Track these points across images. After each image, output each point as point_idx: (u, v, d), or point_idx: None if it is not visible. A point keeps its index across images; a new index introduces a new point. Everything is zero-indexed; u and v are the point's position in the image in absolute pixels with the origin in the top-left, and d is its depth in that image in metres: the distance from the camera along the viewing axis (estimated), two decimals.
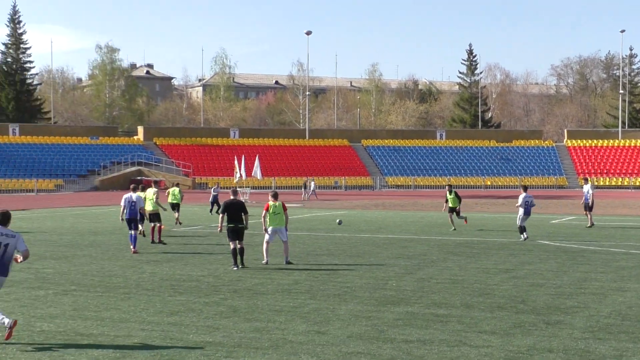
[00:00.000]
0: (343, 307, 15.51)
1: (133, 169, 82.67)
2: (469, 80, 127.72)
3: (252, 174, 64.82)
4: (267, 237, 22.12)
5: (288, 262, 22.01)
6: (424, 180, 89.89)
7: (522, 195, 30.18)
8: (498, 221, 39.59)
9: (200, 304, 15.83)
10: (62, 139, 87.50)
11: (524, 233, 29.13)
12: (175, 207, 37.28)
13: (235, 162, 64.62)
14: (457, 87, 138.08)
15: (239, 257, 21.35)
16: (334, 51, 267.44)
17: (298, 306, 15.59)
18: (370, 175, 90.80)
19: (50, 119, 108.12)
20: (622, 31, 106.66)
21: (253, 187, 74.02)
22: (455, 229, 33.26)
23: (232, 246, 21.37)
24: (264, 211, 21.93)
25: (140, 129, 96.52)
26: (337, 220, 35.69)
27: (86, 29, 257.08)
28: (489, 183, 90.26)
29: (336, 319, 14.35)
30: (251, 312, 14.96)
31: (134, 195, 25.84)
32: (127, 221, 25.58)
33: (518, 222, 29.69)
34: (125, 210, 25.64)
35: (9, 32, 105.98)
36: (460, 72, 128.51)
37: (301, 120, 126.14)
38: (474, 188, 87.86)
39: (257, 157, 66.34)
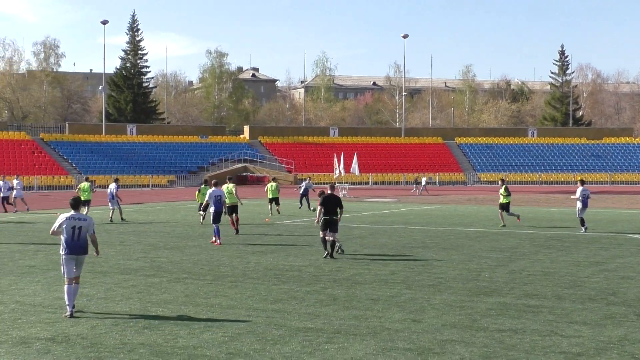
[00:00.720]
0: (437, 297, 15.38)
1: (239, 165, 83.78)
2: (560, 80, 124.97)
3: (351, 170, 64.97)
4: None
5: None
6: (515, 177, 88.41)
7: (580, 188, 30.41)
8: (588, 216, 38.57)
9: (302, 292, 15.92)
10: (174, 138, 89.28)
11: (584, 225, 29.48)
12: (273, 201, 38.46)
13: (335, 159, 64.82)
14: (548, 86, 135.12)
15: (329, 248, 21.47)
16: (430, 53, 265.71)
17: (394, 295, 15.52)
18: (463, 172, 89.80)
19: (164, 119, 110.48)
20: None
21: (351, 183, 74.12)
22: (504, 225, 31.95)
23: (321, 235, 21.71)
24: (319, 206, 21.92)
25: (246, 128, 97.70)
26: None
27: (197, 35, 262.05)
28: (579, 179, 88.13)
29: (431, 308, 14.24)
30: (350, 301, 14.96)
31: (218, 190, 26.29)
32: (213, 214, 25.66)
33: (578, 215, 29.96)
34: (210, 204, 25.89)
35: (128, 40, 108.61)
36: (552, 72, 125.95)
37: (397, 119, 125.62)
38: (564, 184, 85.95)
39: (355, 155, 66.41)
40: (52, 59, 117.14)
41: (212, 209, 25.92)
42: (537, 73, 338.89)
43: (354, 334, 12.13)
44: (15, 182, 41.58)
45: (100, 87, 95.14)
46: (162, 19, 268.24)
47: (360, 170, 67.56)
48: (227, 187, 29.72)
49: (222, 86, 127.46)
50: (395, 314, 13.71)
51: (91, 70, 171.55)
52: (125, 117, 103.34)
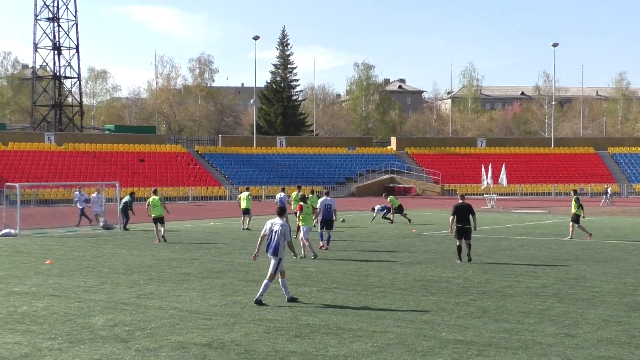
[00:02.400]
0: (592, 311, 14.84)
1: (386, 176, 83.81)
2: None
3: (499, 181, 63.73)
4: (301, 234, 24.57)
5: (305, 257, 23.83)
6: None
7: None
8: None
9: (451, 304, 15.73)
10: (322, 150, 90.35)
11: None
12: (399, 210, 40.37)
13: (482, 169, 63.81)
14: None
15: (467, 254, 22.72)
16: (581, 61, 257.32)
17: (546, 309, 15.10)
18: (617, 182, 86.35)
19: (312, 131, 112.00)
20: None
21: (499, 194, 72.69)
22: (571, 238, 30.35)
23: (457, 243, 22.94)
24: (299, 212, 24.85)
25: (393, 140, 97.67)
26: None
27: (344, 48, 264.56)
28: None
29: (585, 322, 13.75)
30: (500, 313, 14.66)
31: (328, 199, 27.26)
32: (322, 221, 26.69)
33: None
34: (320, 213, 26.85)
35: (278, 54, 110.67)
36: None
37: (546, 129, 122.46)
38: None
39: (503, 165, 65.08)
40: (206, 74, 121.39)
41: (320, 217, 26.85)
42: None
43: (505, 347, 11.87)
44: (94, 195, 38.66)
45: (251, 101, 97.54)
46: (310, 33, 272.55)
47: (508, 181, 66.14)
48: (153, 198, 31.14)
49: (369, 98, 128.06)
50: (548, 327, 13.32)
51: (243, 84, 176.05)
52: (275, 130, 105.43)
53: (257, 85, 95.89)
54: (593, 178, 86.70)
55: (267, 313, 14.72)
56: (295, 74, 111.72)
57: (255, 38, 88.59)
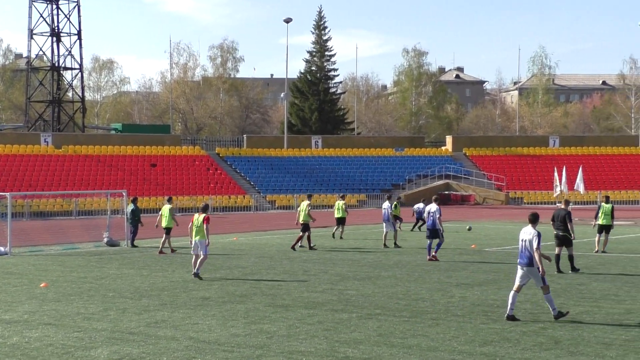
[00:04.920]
0: None
1: (440, 182, 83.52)
2: None
3: (575, 188, 63.23)
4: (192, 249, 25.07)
5: (196, 275, 24.12)
6: None
7: None
8: None
9: (517, 333, 15.65)
10: (365, 151, 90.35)
11: None
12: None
13: (555, 174, 63.39)
14: None
15: (570, 264, 25.18)
16: None
17: (632, 339, 14.96)
18: None
19: (353, 129, 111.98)
20: None
21: (575, 202, 72.11)
22: (597, 251, 31.54)
23: (556, 251, 25.28)
24: (190, 223, 25.00)
25: (448, 139, 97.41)
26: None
27: (392, 32, 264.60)
28: None
29: None
30: (576, 345, 14.56)
31: (434, 206, 29.51)
32: (429, 230, 29.59)
33: None
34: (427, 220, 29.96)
35: (313, 40, 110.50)
36: None
37: (633, 125, 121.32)
38: None
39: (580, 168, 64.61)
40: (229, 64, 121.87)
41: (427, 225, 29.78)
42: None
43: None
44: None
45: (282, 94, 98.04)
46: (351, 14, 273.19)
47: (586, 188, 65.62)
48: (163, 208, 34.05)
49: (420, 90, 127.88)
50: None
51: (272, 75, 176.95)
52: (309, 128, 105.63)
53: (288, 76, 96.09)
54: None
55: (299, 344, 14.74)
56: (334, 63, 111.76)
57: (287, 21, 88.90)
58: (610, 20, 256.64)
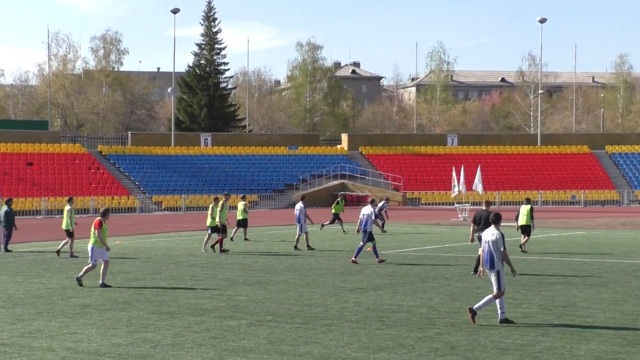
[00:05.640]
0: (583, 346, 15.09)
1: (336, 182, 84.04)
2: None
3: (473, 188, 64.22)
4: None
5: (103, 285, 23.46)
6: None
7: None
8: None
9: (412, 338, 15.84)
10: (257, 150, 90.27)
11: None
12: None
13: (454, 173, 64.28)
14: None
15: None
16: (573, 41, 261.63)
17: (528, 344, 15.30)
18: (617, 188, 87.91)
19: (245, 126, 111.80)
20: None
21: (473, 203, 73.36)
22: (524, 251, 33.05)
23: (480, 252, 24.54)
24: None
25: (344, 137, 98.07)
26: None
27: (286, 24, 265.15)
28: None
29: None
30: (472, 350, 14.82)
31: (368, 208, 29.46)
32: (365, 233, 29.42)
33: None
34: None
35: (202, 32, 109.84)
36: None
37: (532, 124, 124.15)
38: None
39: (478, 168, 65.68)
40: (113, 56, 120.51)
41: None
42: None
43: None
44: None
45: (169, 89, 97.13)
46: (243, 5, 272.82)
47: (484, 188, 66.82)
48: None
49: (315, 86, 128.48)
50: None
51: (159, 69, 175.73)
52: (198, 125, 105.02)
53: (176, 70, 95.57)
54: (588, 183, 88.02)
55: (185, 353, 14.67)
56: (224, 56, 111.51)
57: (175, 11, 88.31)
58: (509, 15, 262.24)
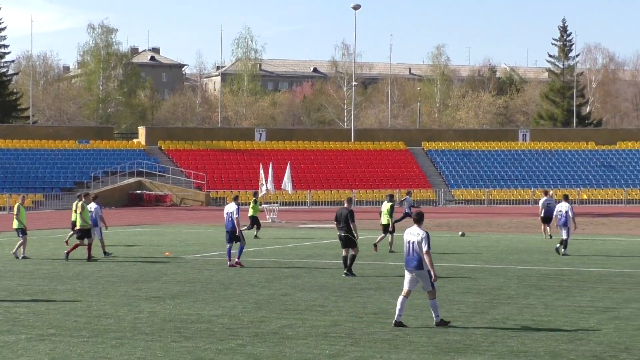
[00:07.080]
0: (393, 355, 15.47)
1: (132, 180, 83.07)
2: (561, 66, 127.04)
3: (282, 187, 64.71)
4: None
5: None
6: (502, 194, 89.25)
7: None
8: (597, 245, 39.20)
9: (212, 351, 15.88)
10: (42, 143, 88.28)
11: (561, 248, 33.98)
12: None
13: (261, 171, 64.58)
14: (545, 74, 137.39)
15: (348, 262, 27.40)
16: (389, 30, 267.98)
17: (336, 354, 15.56)
18: (433, 188, 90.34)
19: (28, 117, 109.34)
20: None
21: (282, 203, 74.03)
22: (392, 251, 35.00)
23: (343, 253, 27.67)
24: None
25: (141, 130, 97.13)
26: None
27: (75, 4, 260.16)
28: (585, 197, 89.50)
29: None
30: None
31: (231, 206, 30.10)
32: (226, 234, 30.29)
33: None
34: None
35: None
36: (550, 56, 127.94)
37: (345, 118, 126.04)
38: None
39: (288, 165, 66.24)
40: None
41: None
42: (532, 57, 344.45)
43: None
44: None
45: None
46: None
47: (294, 187, 67.54)
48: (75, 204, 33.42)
49: (109, 73, 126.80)
50: None
51: None
52: None
53: None
54: (403, 182, 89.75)
55: None
56: (4, 38, 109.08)
57: None
58: (321, 0, 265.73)
